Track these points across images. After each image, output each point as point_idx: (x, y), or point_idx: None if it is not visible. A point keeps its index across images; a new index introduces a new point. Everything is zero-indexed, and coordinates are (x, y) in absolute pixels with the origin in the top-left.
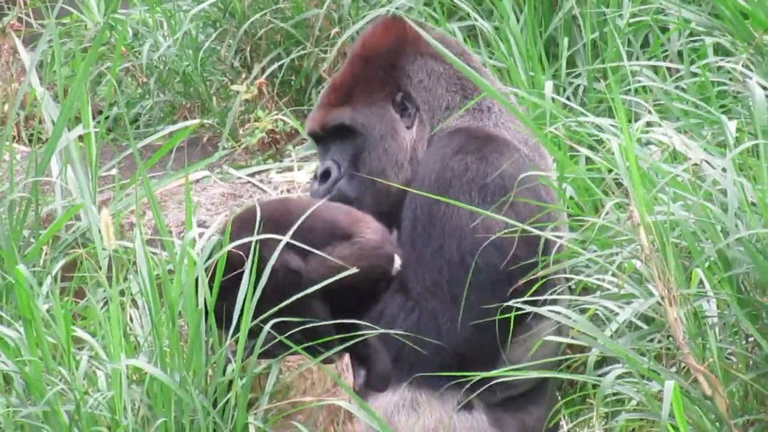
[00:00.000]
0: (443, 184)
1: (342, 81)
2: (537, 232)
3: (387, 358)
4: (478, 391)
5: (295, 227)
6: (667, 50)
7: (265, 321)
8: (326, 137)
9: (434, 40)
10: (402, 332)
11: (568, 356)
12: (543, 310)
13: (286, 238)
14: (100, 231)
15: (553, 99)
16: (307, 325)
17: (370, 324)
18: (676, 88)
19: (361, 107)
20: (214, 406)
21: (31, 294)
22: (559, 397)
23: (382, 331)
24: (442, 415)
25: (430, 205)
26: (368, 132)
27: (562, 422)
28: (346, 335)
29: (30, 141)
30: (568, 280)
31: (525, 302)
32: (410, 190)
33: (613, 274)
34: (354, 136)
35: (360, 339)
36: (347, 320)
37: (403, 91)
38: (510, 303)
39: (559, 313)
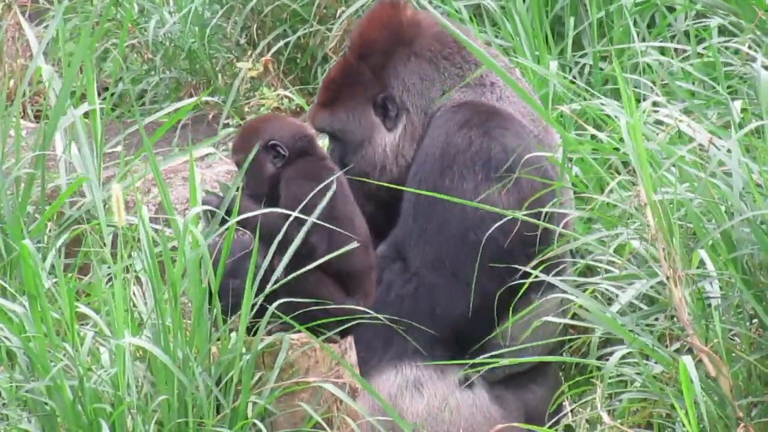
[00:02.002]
0: (447, 159)
1: (332, 79)
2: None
3: None
4: (478, 364)
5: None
6: (673, 30)
7: (270, 299)
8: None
9: (430, 38)
10: (396, 299)
11: (569, 337)
12: (545, 277)
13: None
14: (105, 206)
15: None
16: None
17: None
18: (682, 69)
19: (341, 112)
20: (218, 383)
21: (36, 269)
22: (563, 379)
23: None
24: (446, 394)
25: (434, 179)
26: (347, 138)
27: (565, 403)
28: (348, 317)
29: (36, 117)
30: (573, 261)
31: (527, 278)
32: (405, 188)
33: (615, 253)
34: (336, 139)
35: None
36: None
37: (386, 93)
38: (518, 271)
39: (563, 281)
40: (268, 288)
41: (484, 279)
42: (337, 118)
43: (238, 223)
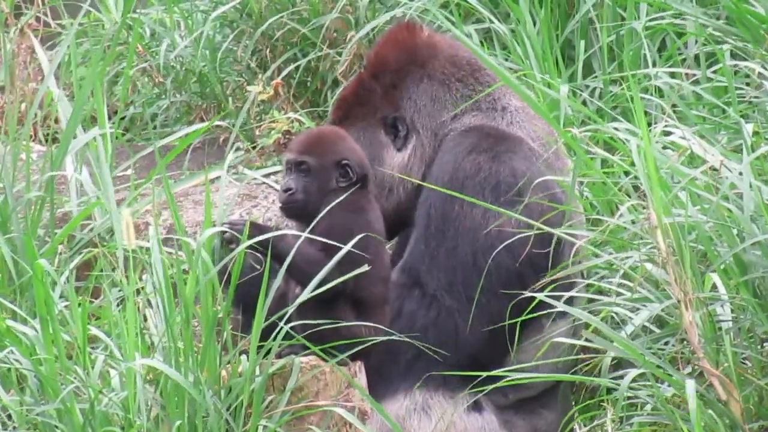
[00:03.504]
0: (456, 184)
1: (344, 98)
2: (548, 230)
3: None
4: (488, 389)
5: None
6: (683, 54)
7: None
8: None
9: (444, 61)
10: (421, 329)
11: (580, 357)
12: (553, 301)
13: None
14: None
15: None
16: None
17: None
18: (693, 92)
19: (352, 131)
20: (229, 406)
21: (49, 291)
22: (573, 402)
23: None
24: (454, 417)
25: (444, 205)
26: None
27: (575, 427)
28: (363, 339)
29: (46, 140)
30: (585, 283)
31: (538, 301)
32: (425, 184)
33: (626, 276)
34: None
35: (375, 341)
36: (371, 324)
37: (397, 114)
38: (526, 294)
39: (572, 306)
40: (290, 310)
41: (495, 304)
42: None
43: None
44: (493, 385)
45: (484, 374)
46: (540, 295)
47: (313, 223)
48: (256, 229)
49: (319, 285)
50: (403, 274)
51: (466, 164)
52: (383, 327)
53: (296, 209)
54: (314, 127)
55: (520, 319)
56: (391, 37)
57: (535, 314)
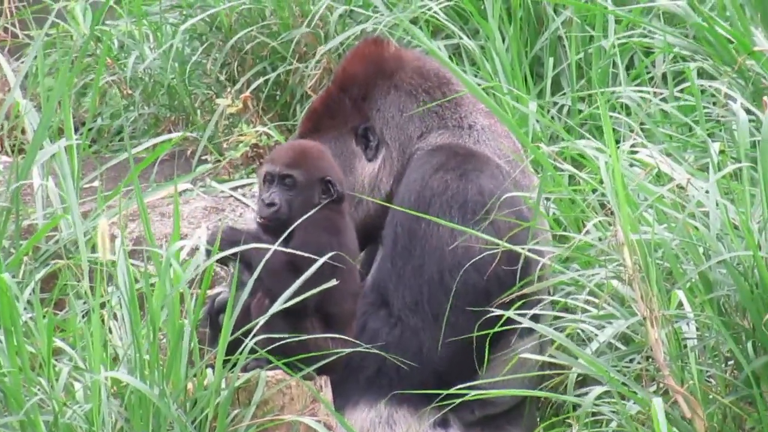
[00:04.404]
0: (423, 202)
1: (314, 110)
2: (515, 248)
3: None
4: (455, 405)
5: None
6: (651, 73)
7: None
8: None
9: (411, 72)
10: (384, 347)
11: (546, 373)
12: (521, 318)
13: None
14: (86, 241)
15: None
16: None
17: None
18: (661, 110)
19: (324, 141)
20: (194, 419)
21: (13, 302)
22: (539, 419)
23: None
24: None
25: (411, 223)
26: None
27: None
28: (329, 351)
29: (12, 151)
30: (552, 300)
31: (505, 318)
32: (390, 205)
33: (592, 293)
34: None
35: (342, 353)
36: (336, 336)
37: (367, 124)
38: (494, 313)
39: (539, 322)
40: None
41: (462, 322)
42: None
43: (241, 259)
44: (459, 400)
45: (452, 390)
46: (507, 312)
47: (284, 235)
48: (229, 238)
49: (286, 299)
50: (372, 293)
51: (434, 182)
52: (351, 339)
53: (278, 225)
54: (294, 141)
55: (489, 337)
56: (359, 51)
57: (502, 329)
